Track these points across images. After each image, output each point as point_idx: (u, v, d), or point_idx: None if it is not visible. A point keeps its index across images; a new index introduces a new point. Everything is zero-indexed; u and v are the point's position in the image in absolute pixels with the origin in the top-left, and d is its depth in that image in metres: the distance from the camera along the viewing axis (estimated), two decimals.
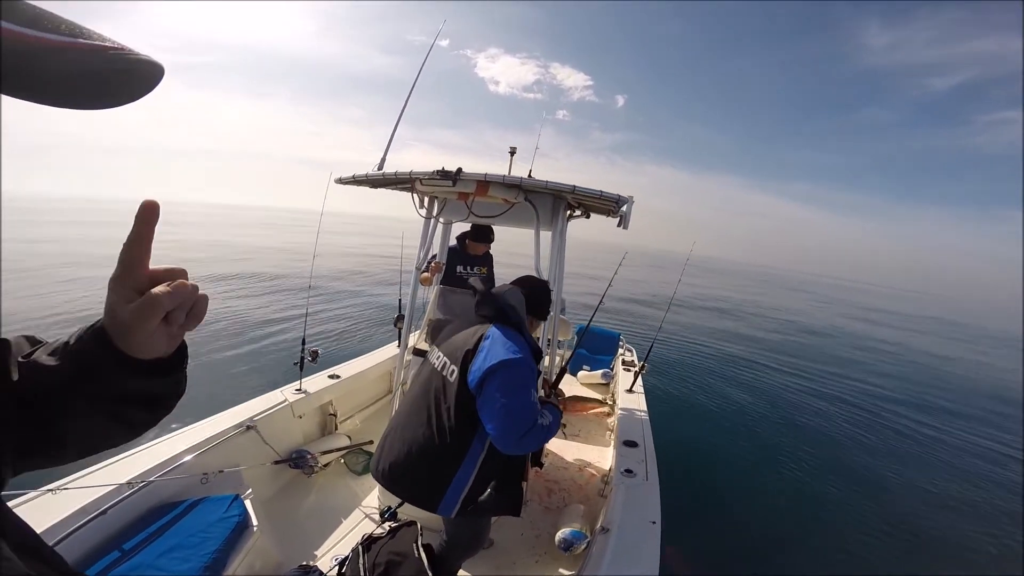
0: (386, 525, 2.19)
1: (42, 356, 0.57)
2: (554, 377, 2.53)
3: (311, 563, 2.04)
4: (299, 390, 3.07)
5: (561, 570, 2.35)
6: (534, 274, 2.60)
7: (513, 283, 1.88)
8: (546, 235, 2.78)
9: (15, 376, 0.55)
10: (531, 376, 1.63)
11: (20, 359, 0.57)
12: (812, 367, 10.66)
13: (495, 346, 1.58)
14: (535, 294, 1.87)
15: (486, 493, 1.75)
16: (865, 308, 31.05)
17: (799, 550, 3.98)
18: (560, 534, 2.36)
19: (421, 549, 2.04)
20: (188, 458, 2.15)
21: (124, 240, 0.51)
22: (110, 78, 0.43)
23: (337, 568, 1.95)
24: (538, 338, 2.60)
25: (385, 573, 1.89)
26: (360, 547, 2.05)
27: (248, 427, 2.55)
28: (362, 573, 1.88)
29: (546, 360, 2.68)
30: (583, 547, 2.27)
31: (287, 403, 2.90)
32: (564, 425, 3.38)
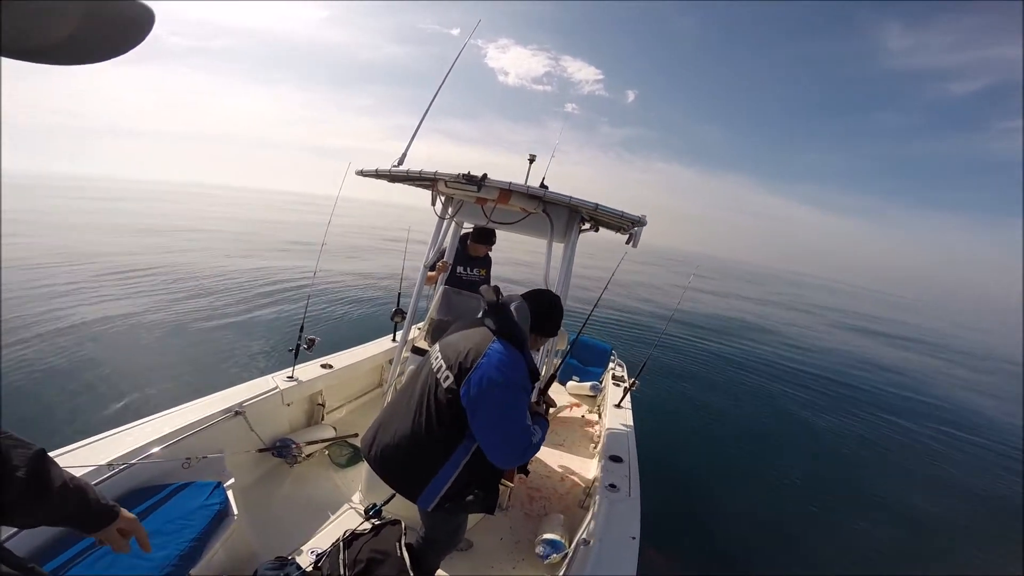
0: (369, 522, 2.16)
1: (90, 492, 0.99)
2: (544, 384, 2.50)
3: (289, 556, 1.99)
4: (290, 377, 3.02)
5: None
6: (541, 284, 2.57)
7: (524, 296, 1.81)
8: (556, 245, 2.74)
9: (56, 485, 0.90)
10: (525, 398, 1.60)
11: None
12: (807, 378, 10.72)
13: (491, 368, 1.53)
14: (544, 313, 1.80)
15: (465, 495, 1.72)
16: (865, 316, 31.07)
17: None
18: (540, 542, 2.34)
19: (404, 548, 2.01)
20: (172, 441, 2.10)
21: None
22: (100, 28, 0.40)
23: (314, 562, 1.90)
24: (538, 350, 2.59)
25: (366, 571, 1.85)
26: (341, 543, 2.01)
27: (236, 412, 2.50)
28: (341, 569, 1.83)
29: (543, 369, 2.65)
30: (561, 557, 2.25)
31: (278, 390, 2.84)
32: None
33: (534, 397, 2.07)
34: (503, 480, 2.26)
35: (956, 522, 5.17)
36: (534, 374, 1.66)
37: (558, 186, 2.31)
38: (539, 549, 2.33)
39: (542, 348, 2.62)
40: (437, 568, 2.12)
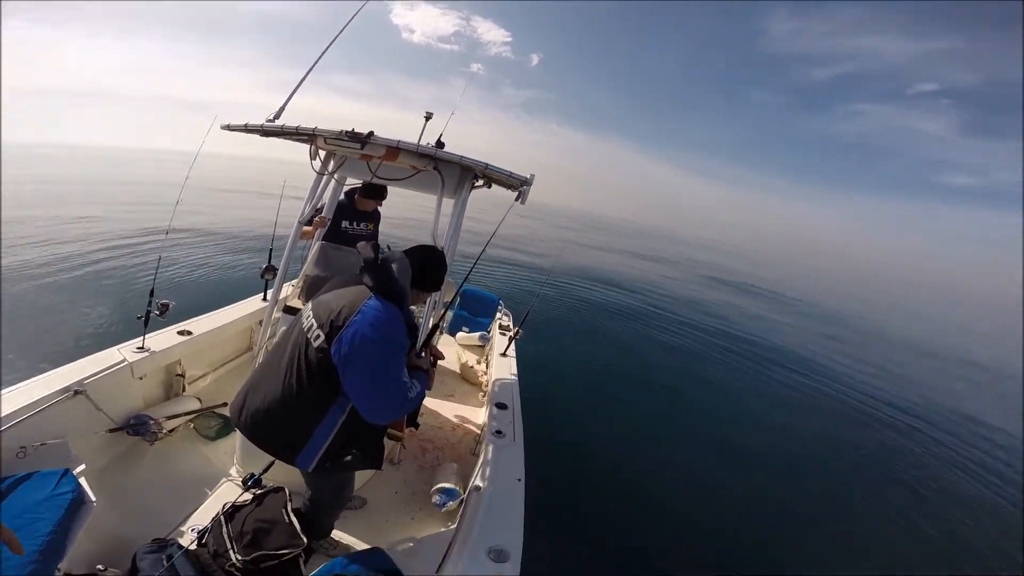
0: (250, 492, 2.15)
1: None
2: (426, 336, 2.46)
3: (168, 537, 1.93)
4: (141, 348, 2.77)
5: (437, 527, 2.48)
6: (430, 239, 2.62)
7: (407, 252, 1.83)
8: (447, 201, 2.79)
9: None
10: (401, 354, 1.65)
11: None
12: (677, 324, 11.99)
13: (365, 325, 1.54)
14: (426, 269, 1.85)
15: (345, 454, 1.77)
16: (730, 270, 34.98)
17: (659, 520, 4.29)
18: (435, 492, 2.50)
19: (291, 514, 2.06)
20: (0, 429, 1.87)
21: None
22: None
23: (198, 540, 1.88)
24: (423, 304, 2.66)
25: (254, 542, 1.88)
26: (222, 516, 2.00)
27: (76, 392, 2.26)
28: (228, 543, 1.84)
29: (430, 321, 2.75)
30: (457, 504, 2.44)
31: (126, 363, 2.60)
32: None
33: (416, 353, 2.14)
34: (392, 434, 2.37)
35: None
36: (413, 330, 1.72)
37: (457, 144, 2.39)
38: (435, 499, 2.48)
39: (428, 300, 2.72)
40: (330, 528, 2.21)
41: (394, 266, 1.70)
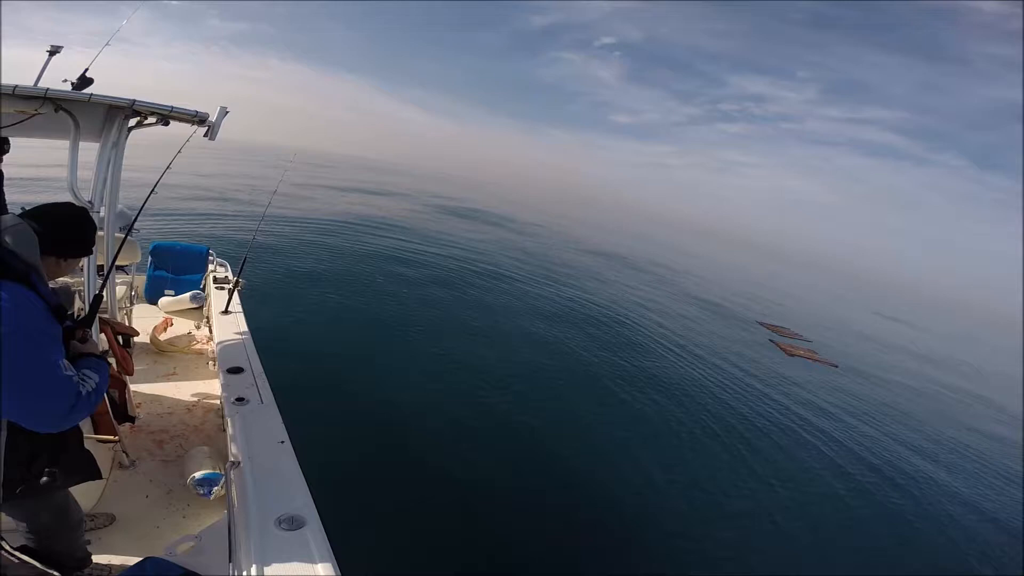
0: None
1: None
2: (88, 313, 1.95)
3: None
4: None
5: (216, 516, 2.44)
6: (71, 196, 2.27)
7: (25, 215, 1.52)
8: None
9: None
10: (45, 344, 1.38)
11: None
12: (406, 253, 12.73)
13: None
14: (63, 228, 1.57)
15: (35, 475, 1.58)
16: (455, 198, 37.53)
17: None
18: (193, 481, 2.45)
19: (16, 553, 1.90)
20: None
21: None
22: None
23: None
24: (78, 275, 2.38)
25: None
26: None
27: None
28: None
29: (91, 293, 2.38)
30: (224, 487, 2.40)
31: None
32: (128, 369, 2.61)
33: (78, 337, 1.74)
34: (102, 438, 2.18)
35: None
36: (60, 310, 1.48)
37: (133, 81, 2.15)
38: (199, 491, 2.43)
39: (86, 268, 2.45)
40: (82, 553, 2.08)
41: (5, 236, 1.39)
